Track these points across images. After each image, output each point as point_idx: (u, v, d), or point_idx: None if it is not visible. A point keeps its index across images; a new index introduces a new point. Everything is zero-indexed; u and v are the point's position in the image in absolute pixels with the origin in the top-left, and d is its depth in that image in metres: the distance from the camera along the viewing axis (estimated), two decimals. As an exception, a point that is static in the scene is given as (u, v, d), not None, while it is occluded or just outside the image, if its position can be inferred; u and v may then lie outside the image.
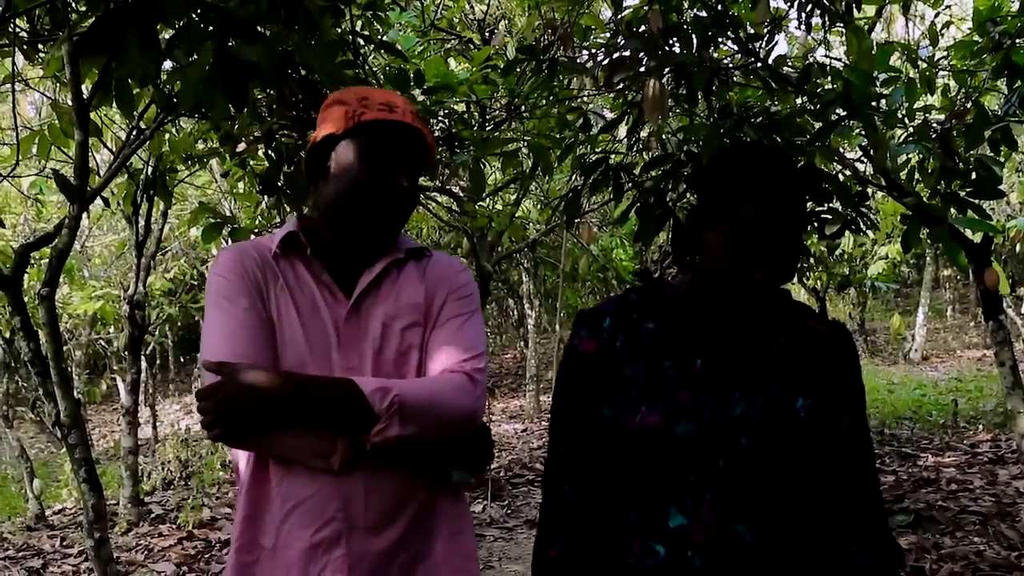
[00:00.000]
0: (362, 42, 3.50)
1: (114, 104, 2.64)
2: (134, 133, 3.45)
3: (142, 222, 5.14)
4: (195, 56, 2.23)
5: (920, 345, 11.72)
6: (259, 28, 2.32)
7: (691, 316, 1.38)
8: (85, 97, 2.64)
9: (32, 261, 4.46)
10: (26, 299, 3.01)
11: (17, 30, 2.83)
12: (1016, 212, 9.08)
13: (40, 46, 3.07)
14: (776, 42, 4.36)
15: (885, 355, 12.40)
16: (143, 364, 8.36)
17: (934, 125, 4.37)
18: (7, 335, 6.85)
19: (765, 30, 4.14)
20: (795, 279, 9.83)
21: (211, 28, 2.21)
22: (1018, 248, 11.34)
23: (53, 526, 5.74)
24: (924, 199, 4.31)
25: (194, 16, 2.21)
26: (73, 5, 2.63)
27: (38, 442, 10.38)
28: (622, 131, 5.09)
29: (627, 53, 3.68)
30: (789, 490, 1.30)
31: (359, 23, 3.72)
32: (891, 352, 12.52)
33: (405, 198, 1.53)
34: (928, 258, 11.43)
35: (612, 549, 1.35)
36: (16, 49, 2.84)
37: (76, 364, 9.87)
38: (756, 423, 1.29)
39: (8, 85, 3.69)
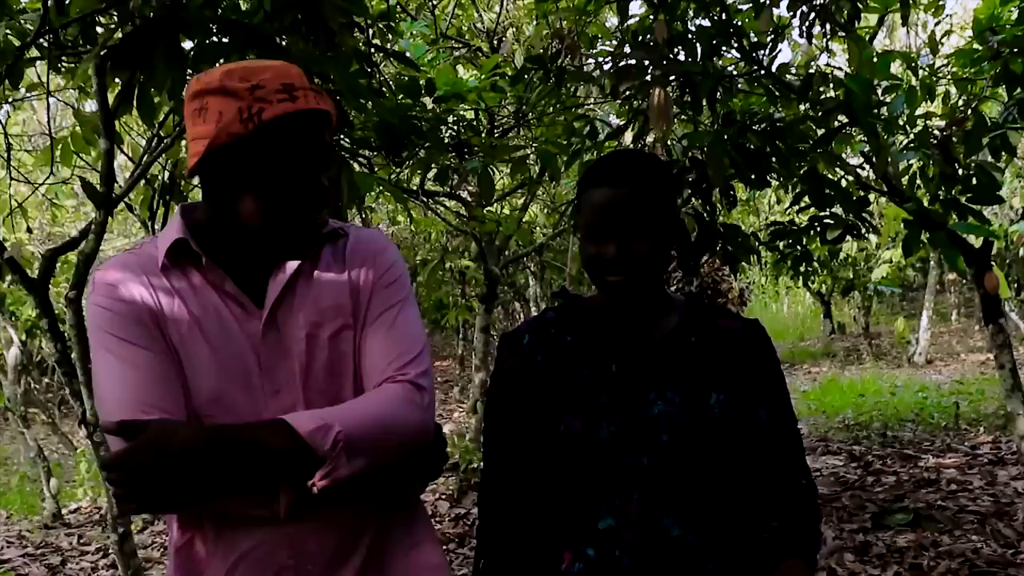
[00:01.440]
0: (373, 50, 3.60)
1: (135, 112, 2.76)
2: (155, 141, 3.55)
3: (158, 226, 5.25)
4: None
5: (924, 348, 11.76)
6: (279, 40, 2.42)
7: (604, 325, 1.44)
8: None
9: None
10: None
11: (45, 42, 2.92)
12: (1019, 216, 9.14)
13: (63, 56, 3.18)
14: (779, 50, 4.46)
15: (890, 358, 12.45)
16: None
17: (934, 132, 4.47)
18: (22, 337, 6.96)
19: (768, 39, 4.24)
20: (799, 282, 9.91)
21: (234, 43, 2.31)
22: (1021, 252, 11.39)
23: (69, 524, 5.84)
24: (925, 204, 4.41)
25: (218, 30, 2.32)
26: (101, 20, 2.73)
27: (49, 443, 10.49)
28: (628, 137, 5.19)
29: (633, 62, 3.79)
30: (713, 481, 1.35)
31: (371, 31, 3.83)
32: (896, 356, 12.57)
33: (327, 197, 1.34)
34: (932, 262, 11.50)
35: (547, 560, 1.38)
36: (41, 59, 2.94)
37: (89, 366, 10.00)
38: (675, 420, 1.34)
39: (24, 93, 3.81)
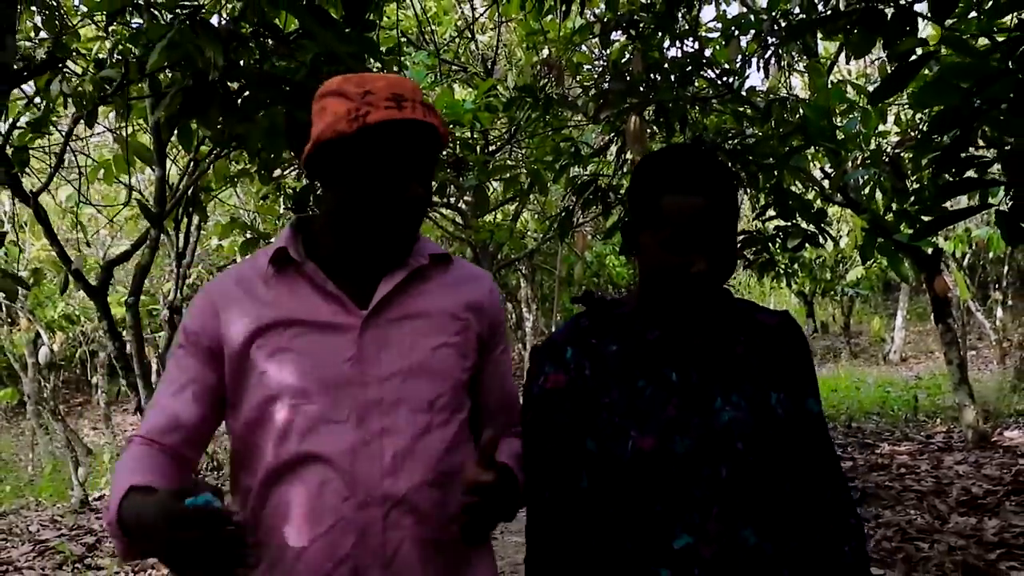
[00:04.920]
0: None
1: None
2: (192, 165, 4.04)
3: (181, 236, 5.72)
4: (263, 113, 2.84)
5: (899, 347, 12.27)
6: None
7: (657, 329, 1.34)
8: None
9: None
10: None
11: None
12: (983, 222, 9.63)
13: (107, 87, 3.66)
14: (748, 74, 4.94)
15: (867, 356, 12.97)
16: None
17: (887, 150, 4.99)
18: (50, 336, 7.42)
19: (737, 64, 4.75)
20: (784, 283, 10.40)
21: (276, 93, 2.80)
22: (991, 254, 11.90)
23: (96, 510, 6.32)
24: (882, 214, 4.93)
25: (263, 83, 2.81)
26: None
27: (58, 439, 10.92)
28: (613, 150, 5.68)
29: (613, 90, 4.28)
30: (784, 485, 1.31)
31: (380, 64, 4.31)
32: (873, 353, 13.09)
33: (420, 207, 1.38)
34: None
35: None
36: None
37: (100, 365, 10.43)
38: (746, 426, 1.28)
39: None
